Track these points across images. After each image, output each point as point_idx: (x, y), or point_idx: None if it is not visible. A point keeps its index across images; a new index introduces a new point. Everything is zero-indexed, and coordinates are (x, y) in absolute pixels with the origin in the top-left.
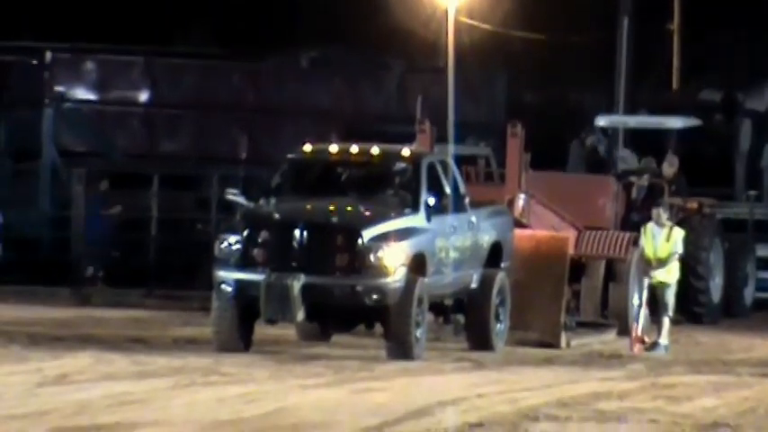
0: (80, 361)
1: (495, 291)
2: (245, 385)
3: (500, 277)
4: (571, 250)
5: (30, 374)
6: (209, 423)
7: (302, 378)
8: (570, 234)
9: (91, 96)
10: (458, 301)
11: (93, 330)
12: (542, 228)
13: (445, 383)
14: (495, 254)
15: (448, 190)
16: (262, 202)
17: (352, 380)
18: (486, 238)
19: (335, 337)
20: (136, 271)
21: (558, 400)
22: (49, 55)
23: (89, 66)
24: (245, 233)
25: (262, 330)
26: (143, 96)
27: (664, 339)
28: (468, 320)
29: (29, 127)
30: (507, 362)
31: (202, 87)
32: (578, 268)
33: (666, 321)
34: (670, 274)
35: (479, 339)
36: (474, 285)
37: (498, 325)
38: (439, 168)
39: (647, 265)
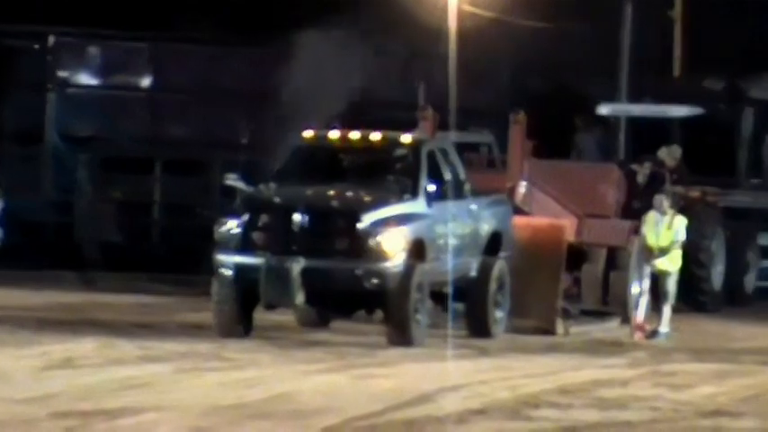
0: (85, 345)
1: (493, 278)
2: (247, 370)
3: (499, 265)
4: (572, 238)
5: (35, 358)
6: (213, 407)
7: (305, 363)
8: (571, 221)
9: (94, 81)
10: (456, 289)
11: (99, 315)
12: (544, 215)
13: (447, 370)
14: (494, 243)
15: (448, 177)
16: (262, 186)
17: (355, 366)
18: (486, 227)
19: (336, 324)
20: (141, 256)
21: (560, 388)
22: (52, 39)
23: (93, 50)
24: (246, 217)
25: (263, 317)
26: (147, 81)
27: (664, 327)
28: (467, 308)
29: (32, 111)
30: (509, 349)
31: (207, 73)
32: (580, 256)
33: (667, 309)
34: (672, 262)
35: (478, 327)
36: (473, 273)
37: (497, 312)
38: (439, 155)
39: (649, 252)
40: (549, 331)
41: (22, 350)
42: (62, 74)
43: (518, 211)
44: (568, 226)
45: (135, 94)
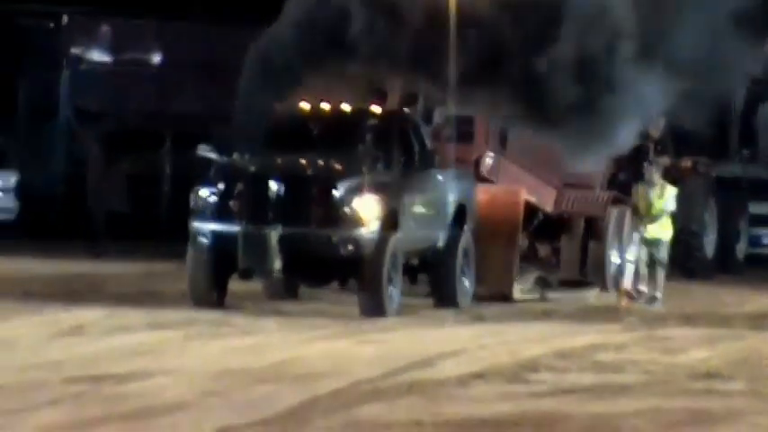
0: (94, 313)
1: (460, 249)
2: (254, 336)
3: (465, 236)
4: (550, 208)
5: (45, 326)
6: (220, 372)
7: (309, 330)
8: (549, 193)
9: (106, 58)
10: (423, 260)
11: (107, 284)
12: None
13: (447, 335)
14: (459, 215)
15: (417, 148)
16: (236, 156)
17: (357, 332)
18: (452, 199)
19: (336, 294)
20: (149, 226)
21: (557, 352)
22: (65, 18)
23: (104, 29)
24: (221, 185)
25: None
26: (156, 58)
27: (659, 292)
28: (433, 279)
29: (46, 89)
30: (506, 315)
31: (214, 50)
32: (558, 226)
33: (662, 275)
34: (664, 230)
35: (445, 297)
36: (440, 244)
37: (464, 282)
38: (408, 126)
39: (639, 221)
40: (506, 296)
41: (32, 318)
42: (75, 51)
43: (484, 182)
44: (527, 192)
45: (145, 69)
